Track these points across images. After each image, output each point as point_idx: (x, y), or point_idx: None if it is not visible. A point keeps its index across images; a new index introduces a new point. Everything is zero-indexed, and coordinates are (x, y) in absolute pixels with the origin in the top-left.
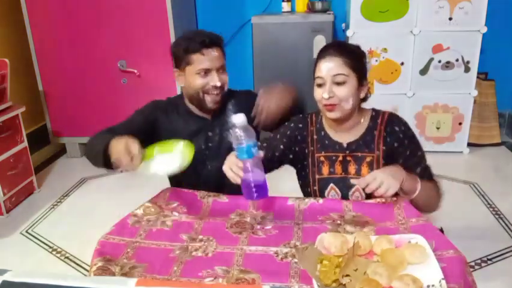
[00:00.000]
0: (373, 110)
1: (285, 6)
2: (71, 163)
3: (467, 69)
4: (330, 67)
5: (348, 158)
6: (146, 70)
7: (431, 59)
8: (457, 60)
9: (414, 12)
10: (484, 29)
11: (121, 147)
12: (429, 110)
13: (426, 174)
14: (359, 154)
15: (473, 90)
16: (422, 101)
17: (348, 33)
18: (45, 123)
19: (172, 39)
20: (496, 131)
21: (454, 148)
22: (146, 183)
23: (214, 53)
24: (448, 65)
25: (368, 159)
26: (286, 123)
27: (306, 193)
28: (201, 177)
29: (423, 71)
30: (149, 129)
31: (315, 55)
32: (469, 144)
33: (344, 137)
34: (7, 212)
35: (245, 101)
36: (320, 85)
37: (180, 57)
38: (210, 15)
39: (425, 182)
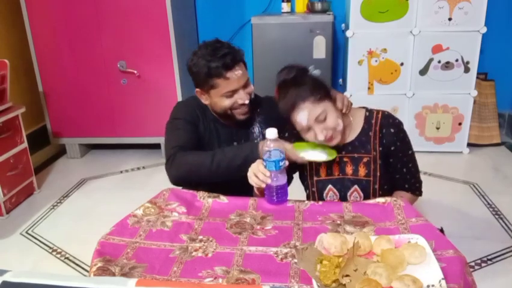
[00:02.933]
0: (366, 109)
1: (285, 7)
2: (71, 164)
3: (466, 70)
4: (307, 116)
5: (345, 159)
6: (146, 71)
7: (431, 59)
8: (457, 60)
9: (414, 13)
10: (484, 29)
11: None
12: (429, 110)
13: (412, 175)
14: (356, 155)
15: (472, 91)
16: (422, 101)
17: (348, 33)
18: (45, 123)
19: (172, 39)
20: (495, 131)
21: (454, 148)
22: (144, 183)
23: (238, 72)
24: (447, 65)
25: (365, 159)
26: (286, 135)
27: (307, 195)
28: (224, 183)
29: (423, 71)
30: (197, 135)
31: (314, 55)
32: (469, 145)
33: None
34: (7, 212)
35: (270, 110)
36: (307, 130)
37: (202, 81)
38: (209, 15)
39: None
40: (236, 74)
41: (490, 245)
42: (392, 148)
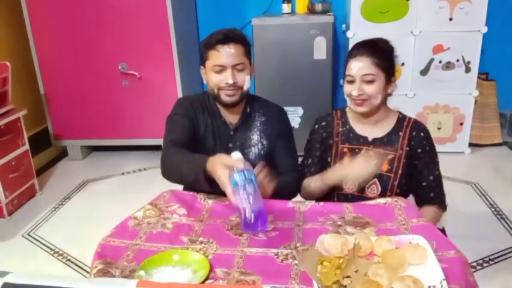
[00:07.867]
0: (399, 113)
1: (285, 8)
2: (73, 166)
3: (467, 70)
4: (359, 67)
5: (371, 152)
6: (147, 72)
7: (432, 60)
8: (458, 60)
9: (415, 13)
10: (485, 29)
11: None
12: (430, 110)
13: (437, 183)
14: (382, 150)
15: (474, 91)
16: (423, 101)
17: (349, 34)
18: (46, 126)
19: (173, 41)
20: (497, 131)
21: (455, 148)
22: (146, 185)
23: (229, 49)
24: (448, 66)
25: (390, 156)
26: (312, 128)
27: None
28: (216, 186)
29: (424, 72)
30: (193, 129)
31: (315, 56)
32: (470, 145)
33: (370, 131)
34: (9, 214)
35: (275, 123)
36: (350, 82)
37: (202, 54)
38: (210, 17)
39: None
40: (227, 50)
41: (491, 245)
42: (419, 151)
